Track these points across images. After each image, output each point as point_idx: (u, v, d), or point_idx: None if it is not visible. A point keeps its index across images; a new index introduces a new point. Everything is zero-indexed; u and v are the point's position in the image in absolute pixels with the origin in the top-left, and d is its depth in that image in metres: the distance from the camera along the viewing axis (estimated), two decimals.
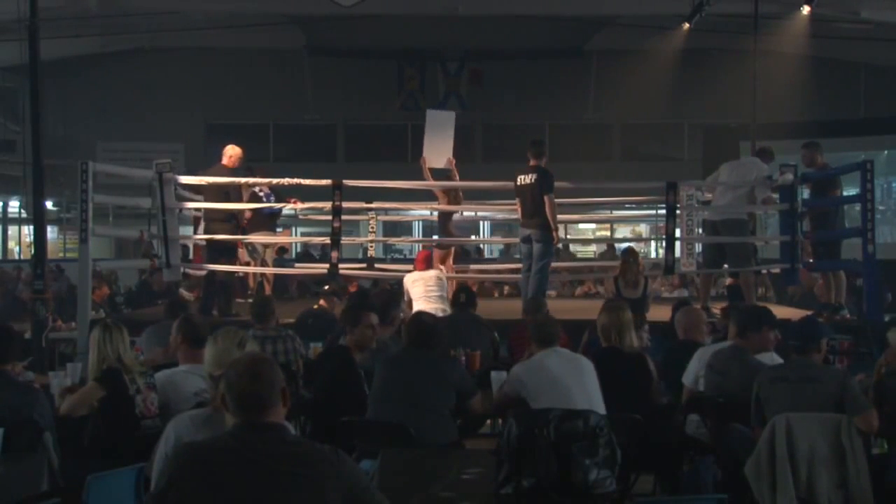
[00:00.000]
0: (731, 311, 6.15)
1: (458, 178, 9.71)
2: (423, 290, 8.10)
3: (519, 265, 8.90)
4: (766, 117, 14.05)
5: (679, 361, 5.40)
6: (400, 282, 8.47)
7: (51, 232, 17.50)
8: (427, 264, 8.51)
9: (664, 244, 8.88)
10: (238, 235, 9.00)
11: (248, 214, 9.43)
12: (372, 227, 10.88)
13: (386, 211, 12.83)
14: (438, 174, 9.63)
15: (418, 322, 4.82)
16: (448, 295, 8.10)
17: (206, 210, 9.00)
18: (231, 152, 8.88)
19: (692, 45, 16.55)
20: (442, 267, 9.11)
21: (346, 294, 8.63)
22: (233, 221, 8.89)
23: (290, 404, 2.66)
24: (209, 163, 9.55)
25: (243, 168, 9.15)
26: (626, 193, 12.24)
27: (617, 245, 14.00)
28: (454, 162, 9.65)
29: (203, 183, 8.92)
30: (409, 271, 8.50)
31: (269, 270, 9.91)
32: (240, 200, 9.06)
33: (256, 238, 9.49)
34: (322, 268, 9.71)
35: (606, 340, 5.12)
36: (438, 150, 9.62)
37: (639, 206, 16.23)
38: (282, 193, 9.71)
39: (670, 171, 13.69)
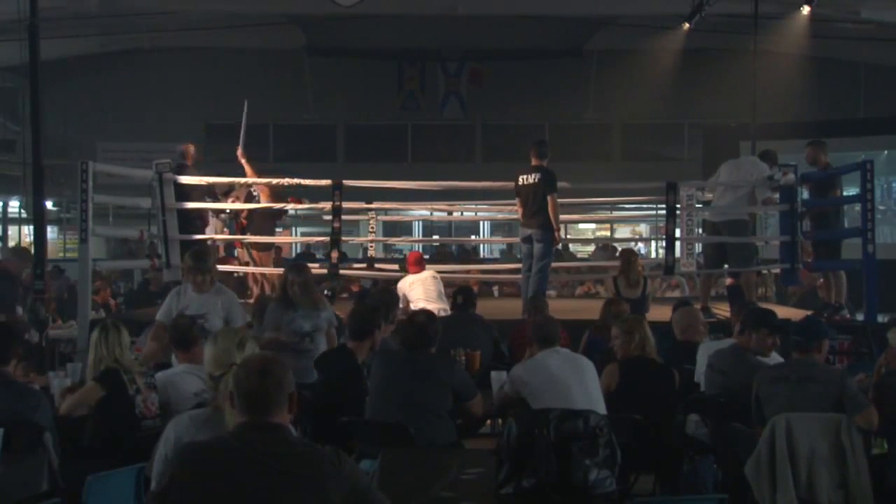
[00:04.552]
0: (737, 309, 6.16)
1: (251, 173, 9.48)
2: (423, 292, 8.11)
3: (519, 265, 8.91)
4: (766, 117, 14.03)
5: (677, 362, 5.41)
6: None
7: (51, 232, 17.49)
8: (420, 266, 8.52)
9: (664, 244, 8.88)
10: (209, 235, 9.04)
11: (244, 214, 9.44)
12: (372, 227, 10.89)
13: (386, 211, 12.82)
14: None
15: (412, 323, 4.81)
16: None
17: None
18: (190, 150, 8.93)
19: (692, 45, 16.54)
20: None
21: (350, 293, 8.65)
22: (197, 223, 8.89)
23: (296, 411, 2.65)
24: (209, 162, 9.57)
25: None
26: (626, 193, 12.22)
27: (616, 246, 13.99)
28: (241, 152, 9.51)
29: (203, 184, 8.94)
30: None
31: (269, 270, 9.90)
32: (203, 201, 9.05)
33: (255, 238, 9.48)
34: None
35: (640, 350, 5.03)
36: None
37: (639, 206, 16.25)
38: (281, 194, 9.70)
39: (670, 171, 13.68)
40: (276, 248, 11.90)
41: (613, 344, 5.18)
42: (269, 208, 9.42)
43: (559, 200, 8.02)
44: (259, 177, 9.44)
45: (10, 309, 7.91)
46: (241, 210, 9.53)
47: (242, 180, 9.33)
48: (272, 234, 9.69)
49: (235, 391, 2.62)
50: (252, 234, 9.37)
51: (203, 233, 9.02)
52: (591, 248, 17.80)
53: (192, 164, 8.98)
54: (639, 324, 5.13)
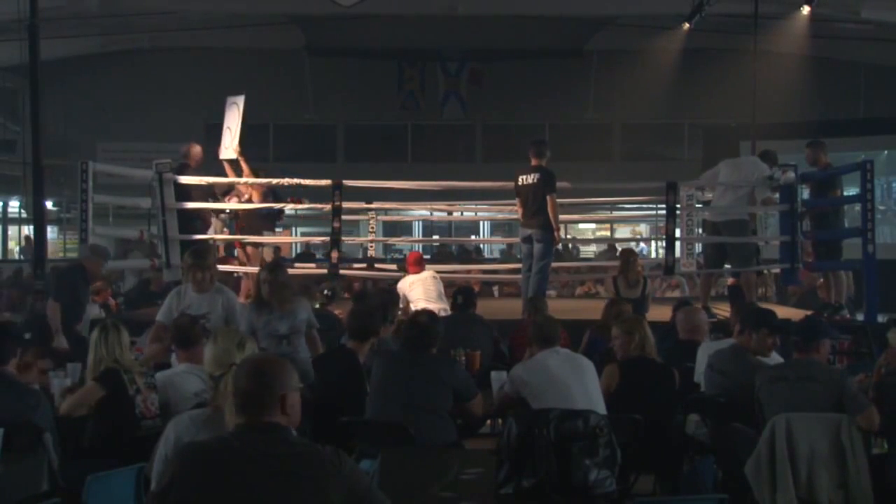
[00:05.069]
0: (737, 310, 6.17)
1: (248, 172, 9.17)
2: (423, 292, 8.11)
3: (519, 265, 8.91)
4: (766, 117, 14.04)
5: (680, 360, 5.41)
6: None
7: (51, 232, 17.49)
8: (420, 266, 8.51)
9: (664, 244, 8.88)
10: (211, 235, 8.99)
11: (241, 213, 9.42)
12: (372, 227, 10.90)
13: (386, 211, 12.82)
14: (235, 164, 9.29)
15: (415, 323, 4.80)
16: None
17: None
18: (193, 151, 8.90)
19: (692, 45, 16.55)
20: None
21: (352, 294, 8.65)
22: (196, 223, 8.87)
23: (292, 413, 2.63)
24: (208, 162, 9.54)
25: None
26: (626, 193, 12.23)
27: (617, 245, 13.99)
28: (238, 150, 9.19)
29: (204, 184, 8.93)
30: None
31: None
32: (203, 201, 9.01)
33: (254, 238, 9.46)
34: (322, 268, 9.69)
35: (640, 350, 5.02)
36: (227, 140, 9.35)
37: (639, 206, 16.27)
38: (281, 194, 9.69)
39: (670, 171, 13.67)
40: (276, 248, 11.87)
41: (613, 344, 5.18)
42: (270, 208, 9.41)
43: (559, 200, 8.01)
44: (252, 175, 9.36)
45: (81, 309, 7.93)
46: (241, 210, 9.52)
47: (242, 180, 9.32)
48: (261, 233, 9.62)
49: (233, 391, 2.65)
50: (242, 233, 9.33)
51: (204, 233, 9.01)
52: (592, 247, 17.85)
53: (196, 165, 8.94)
54: (638, 324, 5.13)
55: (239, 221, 9.61)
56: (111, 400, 4.39)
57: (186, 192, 8.72)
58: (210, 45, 18.68)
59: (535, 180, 7.90)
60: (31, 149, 8.92)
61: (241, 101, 9.59)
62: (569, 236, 16.72)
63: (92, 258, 7.93)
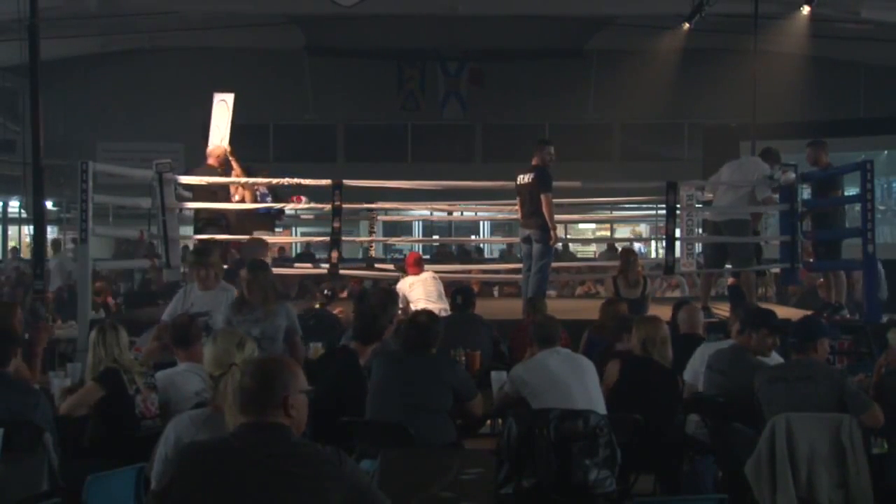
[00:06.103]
0: (736, 309, 6.19)
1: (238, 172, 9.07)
2: (423, 292, 8.12)
3: (519, 265, 8.91)
4: (766, 117, 14.03)
5: (682, 355, 5.42)
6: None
7: (51, 232, 17.47)
8: (419, 266, 8.51)
9: (664, 244, 8.87)
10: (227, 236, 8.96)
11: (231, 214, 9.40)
12: (372, 228, 10.90)
13: (386, 211, 12.83)
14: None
15: (414, 323, 4.80)
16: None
17: (196, 210, 8.98)
18: (217, 151, 8.88)
19: (692, 45, 16.55)
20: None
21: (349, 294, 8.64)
22: (222, 222, 8.85)
23: (297, 415, 2.62)
24: (201, 161, 9.52)
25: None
26: (626, 193, 12.22)
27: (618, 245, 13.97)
28: (230, 150, 9.13)
29: (203, 183, 8.91)
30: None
31: None
32: (227, 200, 9.00)
33: (241, 237, 9.45)
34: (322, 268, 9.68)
35: (645, 352, 5.02)
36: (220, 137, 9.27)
37: (639, 206, 16.26)
38: (281, 194, 9.68)
39: (670, 171, 13.67)
40: (280, 248, 11.86)
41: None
42: (269, 208, 9.41)
43: (557, 200, 7.99)
44: (243, 175, 9.32)
45: None
46: (231, 211, 9.48)
47: (243, 180, 9.32)
48: (252, 234, 9.58)
49: (236, 391, 2.66)
50: (233, 234, 9.29)
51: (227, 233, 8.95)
52: (592, 247, 17.84)
53: (219, 164, 8.89)
54: (643, 324, 5.14)
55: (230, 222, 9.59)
56: (111, 400, 4.40)
57: (212, 193, 8.70)
58: (210, 45, 18.67)
59: (531, 180, 7.89)
60: (31, 149, 8.92)
61: (230, 99, 9.57)
62: (568, 236, 16.74)
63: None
